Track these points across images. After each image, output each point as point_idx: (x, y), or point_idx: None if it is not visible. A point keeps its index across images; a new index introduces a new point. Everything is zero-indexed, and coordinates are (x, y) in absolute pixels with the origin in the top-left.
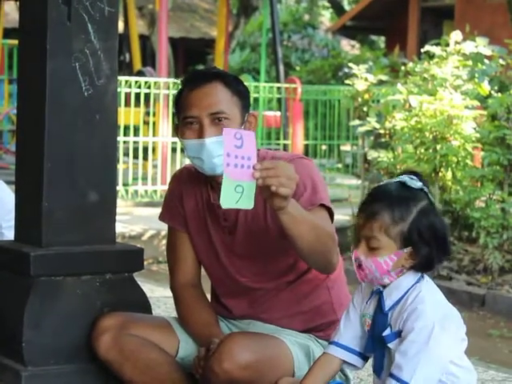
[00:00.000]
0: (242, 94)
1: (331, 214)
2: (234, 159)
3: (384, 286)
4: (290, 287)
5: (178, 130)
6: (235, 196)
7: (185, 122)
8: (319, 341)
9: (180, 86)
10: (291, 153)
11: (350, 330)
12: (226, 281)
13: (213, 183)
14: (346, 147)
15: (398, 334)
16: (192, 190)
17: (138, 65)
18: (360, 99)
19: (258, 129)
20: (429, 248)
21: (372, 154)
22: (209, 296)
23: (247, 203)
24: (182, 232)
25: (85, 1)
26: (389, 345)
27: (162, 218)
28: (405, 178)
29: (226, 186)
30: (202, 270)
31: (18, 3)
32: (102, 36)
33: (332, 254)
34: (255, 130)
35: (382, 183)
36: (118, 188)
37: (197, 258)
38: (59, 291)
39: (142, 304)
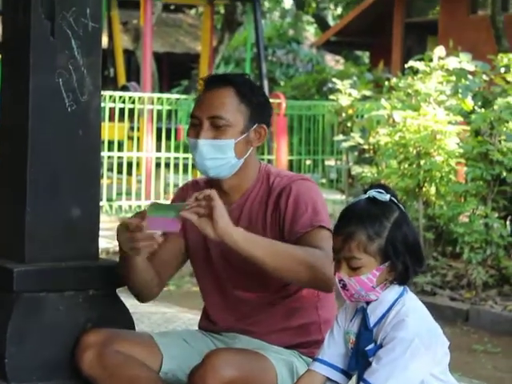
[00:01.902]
0: (252, 103)
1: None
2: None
3: (368, 303)
4: (281, 303)
5: None
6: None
7: (190, 121)
8: (303, 357)
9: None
10: (294, 173)
11: (334, 348)
12: (218, 291)
13: (217, 190)
14: (331, 162)
15: (381, 347)
16: None
17: (122, 80)
18: (344, 114)
19: None
20: (404, 260)
21: (356, 169)
22: (198, 317)
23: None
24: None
25: (68, 16)
26: (370, 359)
27: None
28: (372, 192)
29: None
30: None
31: (0, 17)
32: (86, 52)
33: (324, 276)
34: (262, 142)
35: (351, 202)
36: (102, 203)
37: (175, 259)
38: (42, 307)
39: (125, 320)
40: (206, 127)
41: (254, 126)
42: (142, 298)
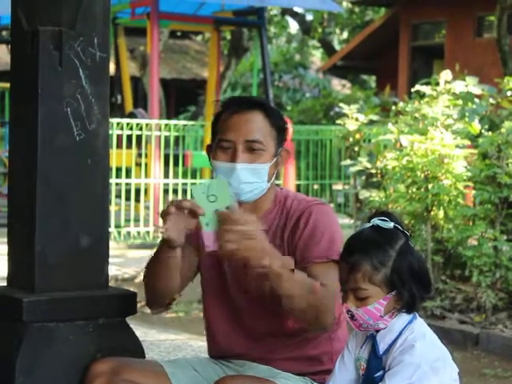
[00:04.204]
0: (280, 127)
1: None
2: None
3: (377, 331)
4: (295, 334)
5: (211, 150)
6: None
7: (220, 144)
8: None
9: (220, 109)
10: (312, 197)
11: (345, 374)
12: (230, 319)
13: None
14: (338, 186)
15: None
16: None
17: (129, 106)
18: (351, 139)
19: None
20: (410, 288)
21: (364, 194)
22: (202, 343)
23: None
24: (189, 247)
25: (76, 46)
26: None
27: None
28: (376, 221)
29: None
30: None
31: (9, 46)
32: (94, 81)
33: (323, 316)
34: (286, 164)
35: (356, 232)
36: (110, 230)
37: (188, 270)
38: (52, 337)
39: (135, 348)
40: (242, 151)
41: (280, 150)
42: (159, 301)
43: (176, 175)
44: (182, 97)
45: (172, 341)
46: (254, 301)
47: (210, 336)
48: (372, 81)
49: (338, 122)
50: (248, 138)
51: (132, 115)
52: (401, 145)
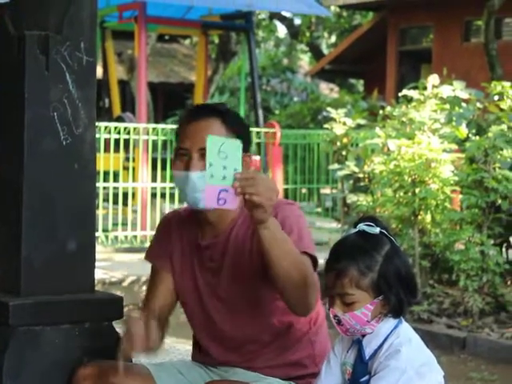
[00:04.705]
0: (238, 133)
1: (315, 263)
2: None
3: (364, 335)
4: (274, 339)
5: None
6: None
7: (177, 153)
8: None
9: (181, 117)
10: (280, 199)
11: (331, 378)
12: (210, 328)
13: (202, 222)
14: (326, 191)
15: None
16: (181, 231)
17: (117, 110)
18: (339, 143)
19: None
20: (397, 293)
21: (351, 198)
22: (189, 347)
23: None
24: (163, 271)
25: (63, 50)
26: None
27: (146, 256)
28: (362, 226)
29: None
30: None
31: None
32: (80, 85)
33: (309, 292)
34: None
35: (342, 238)
36: (97, 234)
37: (171, 300)
38: (38, 341)
39: None
40: (196, 159)
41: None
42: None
43: (164, 179)
44: (169, 100)
45: None
46: (227, 309)
47: (197, 345)
48: (360, 85)
49: (326, 126)
50: (201, 145)
51: (120, 119)
52: (388, 149)
